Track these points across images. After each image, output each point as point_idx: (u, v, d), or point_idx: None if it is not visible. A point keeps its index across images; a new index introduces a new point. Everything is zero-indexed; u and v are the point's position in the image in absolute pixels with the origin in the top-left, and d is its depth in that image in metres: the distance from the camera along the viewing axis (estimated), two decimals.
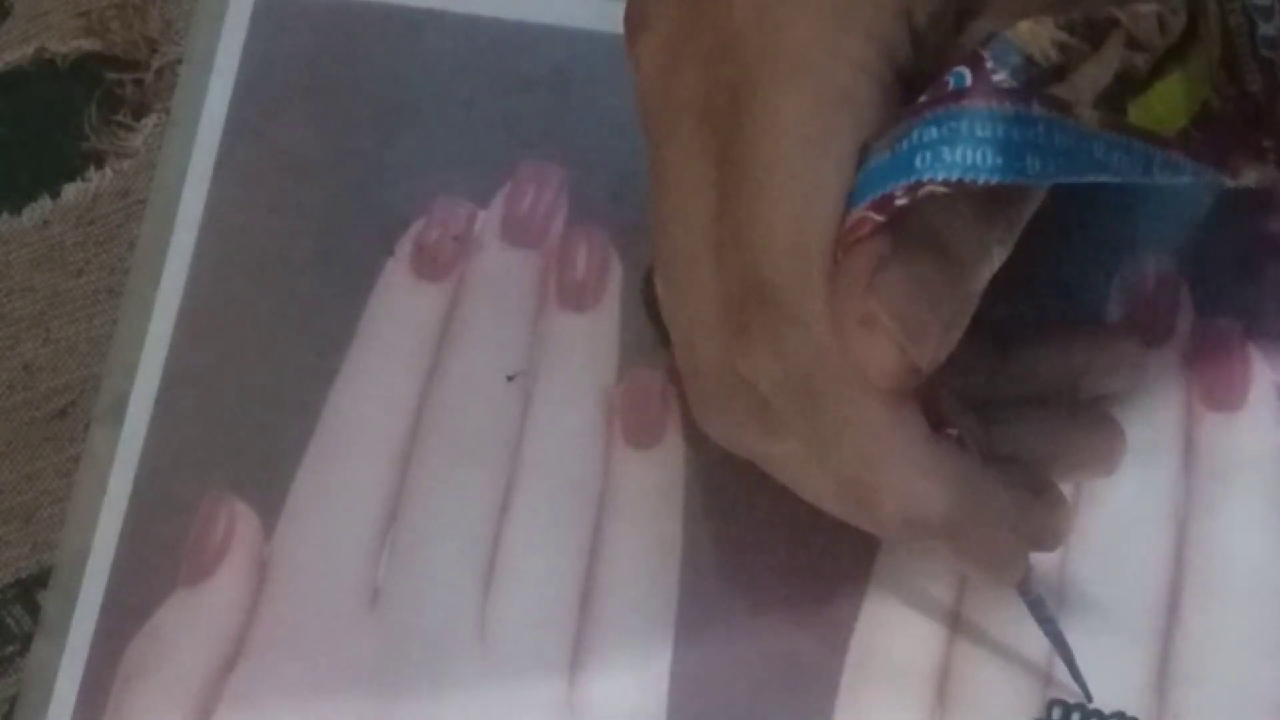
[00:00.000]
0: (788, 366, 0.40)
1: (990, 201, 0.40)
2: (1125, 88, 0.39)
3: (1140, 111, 0.39)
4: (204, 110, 0.52)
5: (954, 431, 0.41)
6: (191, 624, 0.48)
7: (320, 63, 0.53)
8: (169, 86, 0.53)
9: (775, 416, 0.41)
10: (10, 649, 0.49)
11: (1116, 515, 0.46)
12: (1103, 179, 0.38)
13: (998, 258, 0.41)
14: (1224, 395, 0.48)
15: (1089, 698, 0.45)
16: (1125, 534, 0.46)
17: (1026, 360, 0.46)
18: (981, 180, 0.37)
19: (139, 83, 0.53)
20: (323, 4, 0.53)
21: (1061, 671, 0.45)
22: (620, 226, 0.50)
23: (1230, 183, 0.39)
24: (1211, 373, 0.48)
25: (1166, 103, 0.39)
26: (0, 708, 0.48)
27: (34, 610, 0.49)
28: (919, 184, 0.38)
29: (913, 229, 0.39)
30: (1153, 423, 0.47)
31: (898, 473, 0.40)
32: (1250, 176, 0.39)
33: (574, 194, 0.51)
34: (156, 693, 0.47)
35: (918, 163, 0.38)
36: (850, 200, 0.39)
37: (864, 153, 0.39)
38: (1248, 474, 0.47)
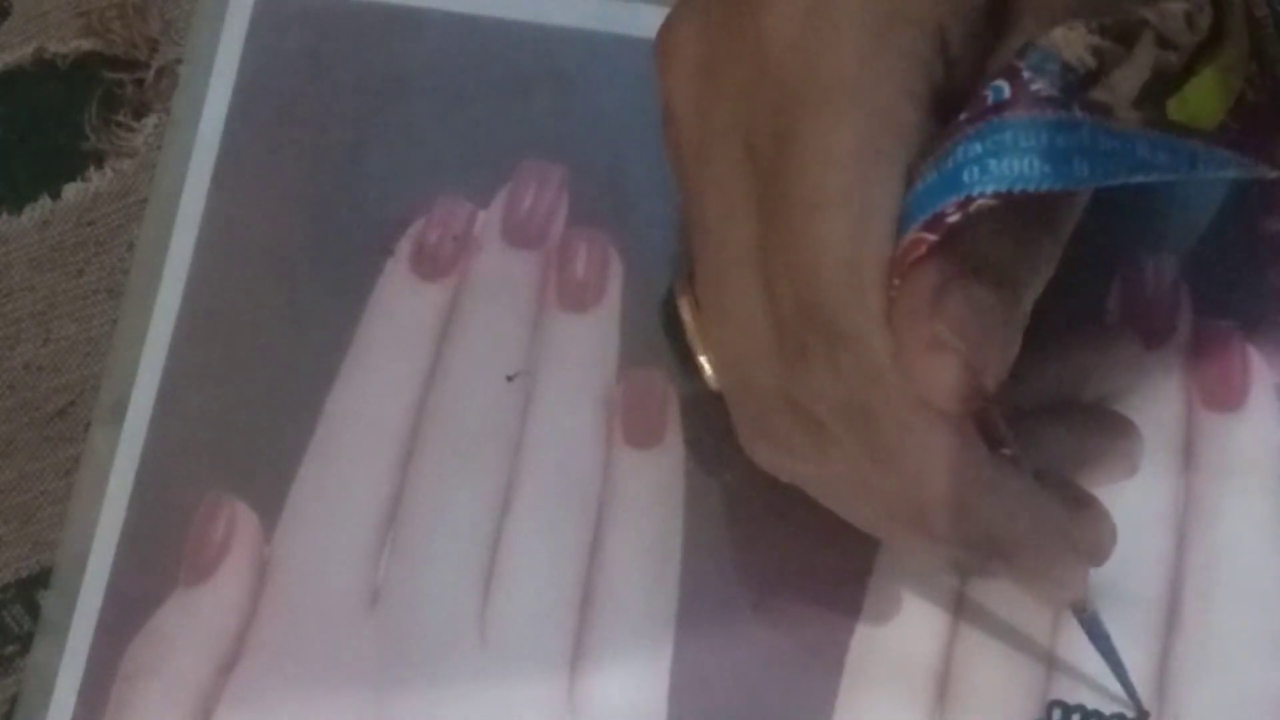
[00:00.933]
0: (846, 390, 0.40)
1: (1036, 219, 0.40)
2: (1161, 86, 0.39)
3: (1178, 108, 0.39)
4: (204, 110, 0.52)
5: (1009, 451, 0.41)
6: (191, 624, 0.48)
7: (320, 63, 0.53)
8: (169, 86, 0.53)
9: (827, 440, 0.41)
10: (10, 649, 0.49)
11: (1116, 515, 0.46)
12: (1150, 178, 0.38)
13: (1046, 274, 0.41)
14: (1224, 395, 0.48)
15: (1144, 713, 0.45)
16: (1125, 534, 0.46)
17: (1029, 366, 0.46)
18: (1032, 189, 0.37)
19: (139, 83, 0.53)
20: (323, 4, 0.53)
21: (1062, 670, 0.45)
22: (620, 226, 0.50)
23: (1273, 173, 0.39)
24: (1211, 373, 0.48)
25: (1202, 98, 0.39)
26: (0, 708, 0.48)
27: (34, 610, 0.49)
28: (969, 199, 0.38)
29: (966, 251, 0.39)
30: (1153, 423, 0.47)
31: (957, 492, 0.40)
32: None
33: (574, 194, 0.51)
34: (156, 693, 0.47)
35: (966, 178, 0.38)
36: (902, 224, 0.39)
37: (912, 175, 0.39)
38: (1248, 474, 0.47)
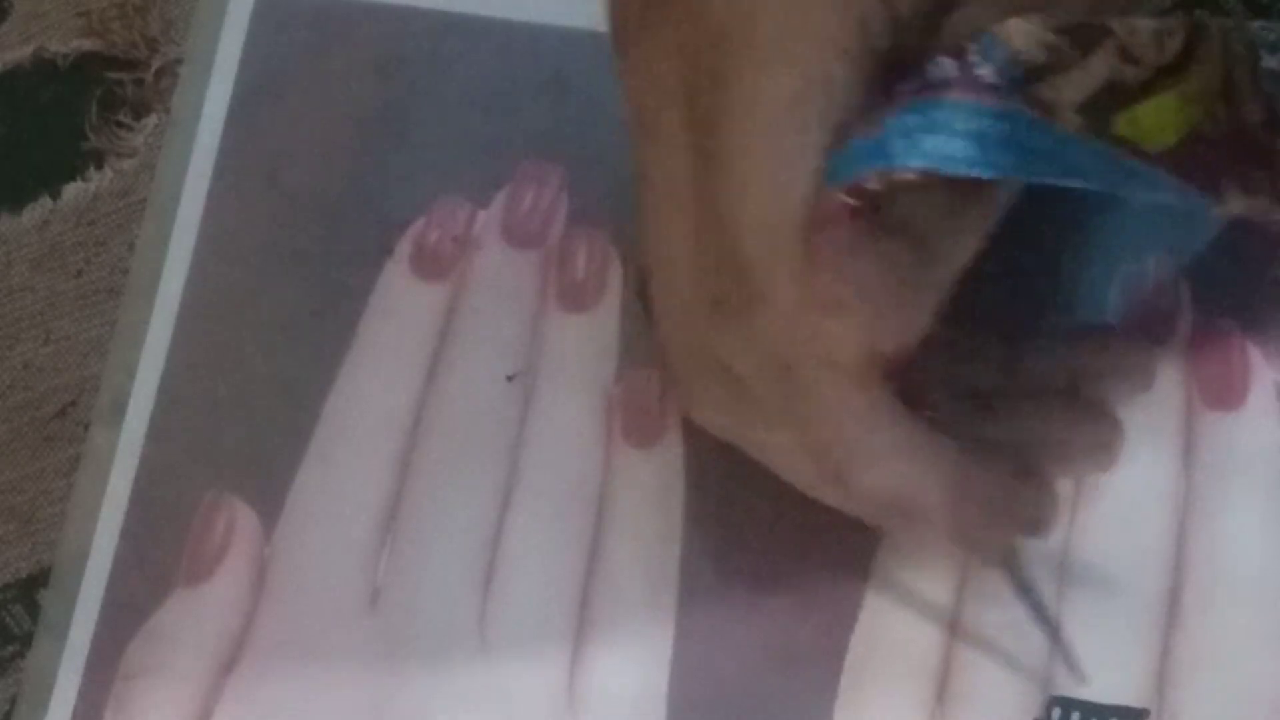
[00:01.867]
0: (760, 346, 0.40)
1: (964, 191, 0.40)
2: (1113, 98, 0.38)
3: (1127, 124, 0.39)
4: (204, 110, 0.52)
5: (932, 414, 0.41)
6: (191, 624, 0.48)
7: (320, 63, 0.53)
8: (169, 86, 0.53)
9: (754, 399, 0.41)
10: (10, 649, 0.49)
11: (1116, 514, 0.46)
12: (1078, 184, 0.38)
13: (970, 247, 0.41)
14: (1224, 395, 0.48)
15: (1084, 678, 0.45)
16: (1125, 533, 0.46)
17: (1032, 364, 0.46)
18: (955, 171, 0.37)
19: (139, 83, 0.54)
20: (323, 4, 0.53)
21: (1061, 670, 0.45)
22: (620, 226, 0.50)
23: (1215, 208, 0.39)
24: (1211, 372, 0.48)
25: (1156, 119, 0.39)
26: (0, 708, 0.48)
27: (34, 610, 0.49)
28: (892, 169, 0.38)
29: (885, 214, 0.39)
30: (1153, 422, 0.47)
31: (871, 452, 0.40)
32: (1238, 204, 0.39)
33: (574, 194, 0.51)
34: (156, 693, 0.47)
35: (894, 148, 0.38)
36: (826, 180, 0.39)
37: (842, 134, 0.39)
38: (1248, 473, 0.47)
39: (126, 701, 0.47)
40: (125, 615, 0.48)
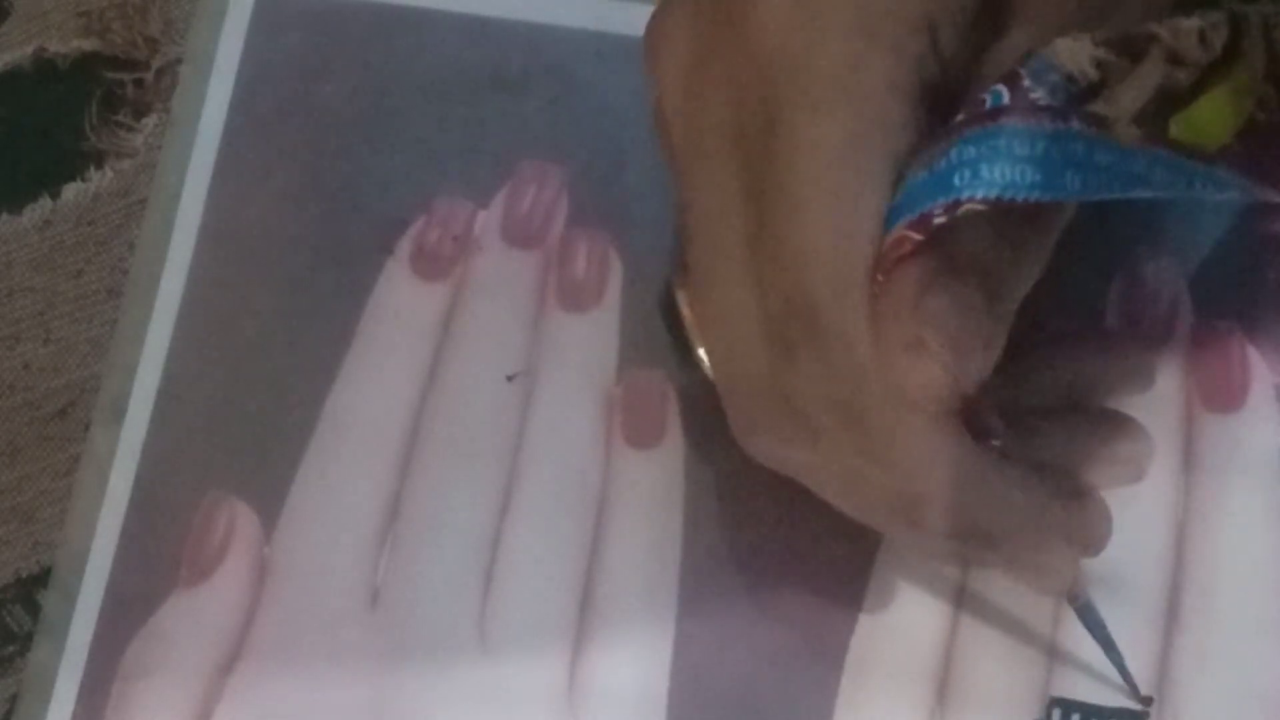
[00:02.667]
0: (832, 385, 0.40)
1: (1024, 220, 0.40)
2: (1167, 103, 0.38)
3: (1183, 126, 0.38)
4: (204, 110, 0.52)
5: (997, 443, 0.41)
6: (191, 624, 0.48)
7: (320, 63, 0.53)
8: (169, 86, 0.53)
9: (817, 433, 0.41)
10: (10, 649, 0.49)
11: (1116, 515, 0.46)
12: (1144, 194, 0.38)
13: (1033, 275, 0.41)
14: (1223, 396, 0.48)
15: (1143, 701, 0.45)
16: (1125, 534, 0.46)
17: (1036, 369, 0.46)
18: (1021, 198, 0.37)
19: (139, 83, 0.53)
20: (323, 4, 0.53)
21: (1061, 671, 0.45)
22: (620, 226, 0.50)
23: (1277, 198, 0.39)
24: (1211, 373, 0.48)
25: (1210, 118, 0.38)
26: (0, 708, 0.48)
27: (34, 610, 0.49)
28: (958, 202, 0.38)
29: (952, 250, 0.39)
30: (1152, 423, 0.47)
31: (946, 488, 0.40)
32: None
33: (574, 194, 0.51)
34: (156, 692, 0.47)
35: (956, 181, 0.38)
36: (888, 220, 0.39)
37: (901, 171, 0.39)
38: (1247, 474, 0.47)
39: (126, 701, 0.47)
40: (125, 615, 0.48)
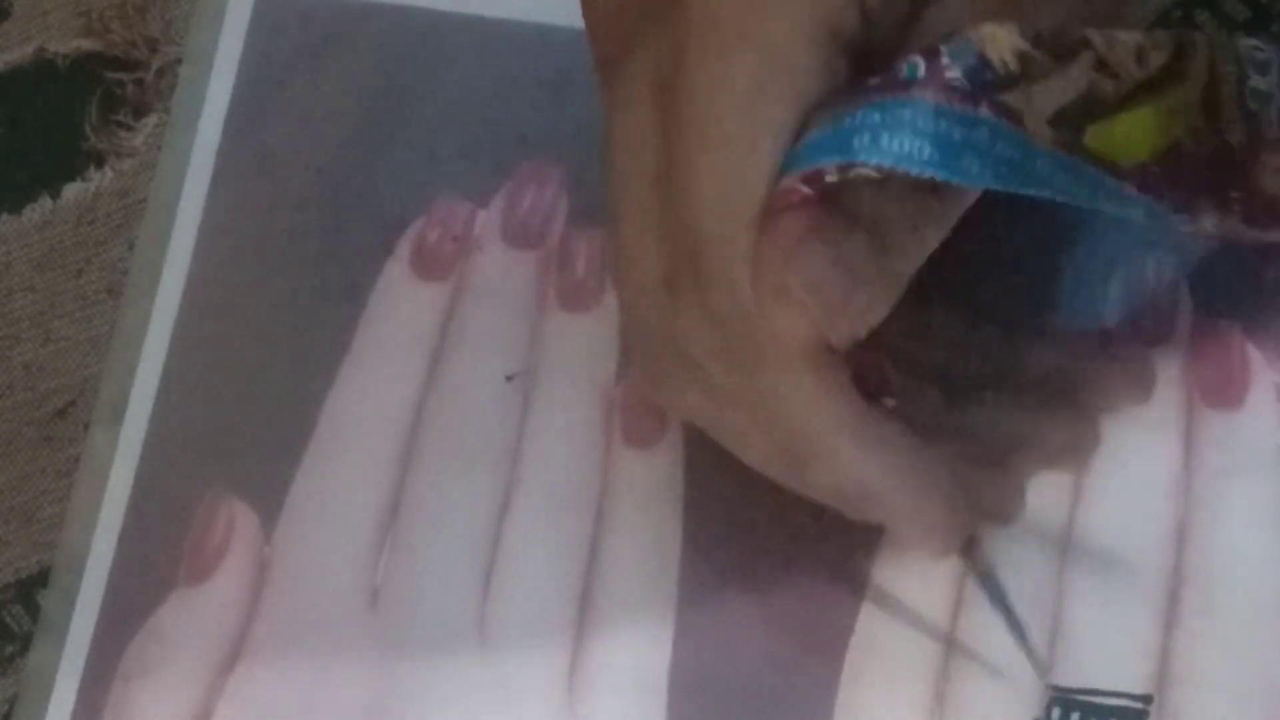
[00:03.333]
0: (714, 330, 0.40)
1: (926, 187, 0.39)
2: (1087, 110, 0.38)
3: (1100, 137, 0.38)
4: (204, 110, 0.52)
5: (890, 402, 0.41)
6: (191, 624, 0.48)
7: (320, 63, 0.53)
8: (169, 86, 0.53)
9: (711, 382, 0.41)
10: (10, 649, 0.49)
11: (1116, 515, 0.46)
12: (1042, 194, 0.38)
13: (932, 241, 0.40)
14: (1224, 394, 0.48)
15: (1044, 668, 0.45)
16: (1124, 533, 0.46)
17: (1023, 360, 0.46)
18: (915, 172, 0.37)
19: (139, 83, 0.54)
20: (323, 4, 0.53)
21: (1061, 669, 0.45)
22: None
23: (1187, 226, 0.38)
24: (1211, 371, 0.48)
25: (1130, 133, 0.38)
26: (0, 708, 0.48)
27: (34, 610, 0.49)
28: (851, 164, 0.38)
29: (840, 205, 0.39)
30: (1152, 421, 0.47)
31: (825, 438, 0.40)
32: (1209, 223, 0.38)
33: (574, 194, 0.51)
34: (156, 692, 0.47)
35: (855, 143, 0.38)
36: (783, 168, 0.39)
37: (807, 121, 0.39)
38: (1248, 474, 0.47)
39: (126, 701, 0.47)
40: (125, 615, 0.48)
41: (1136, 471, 0.47)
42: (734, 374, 0.40)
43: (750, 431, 0.41)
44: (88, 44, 0.54)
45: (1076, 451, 0.47)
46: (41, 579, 0.49)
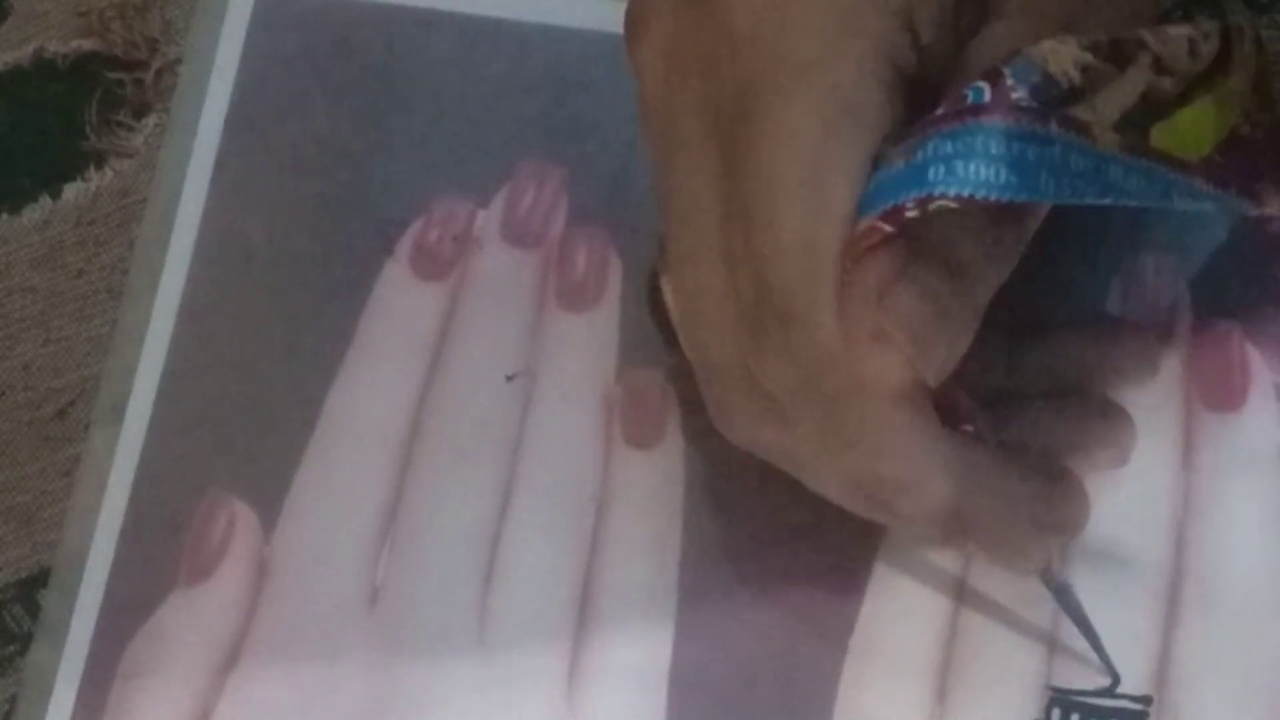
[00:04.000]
0: (800, 371, 0.40)
1: (997, 217, 0.40)
2: (1150, 111, 0.38)
3: (1165, 135, 0.38)
4: (204, 110, 0.52)
5: (969, 428, 0.41)
6: (191, 624, 0.48)
7: (320, 63, 0.53)
8: (169, 86, 0.53)
9: (792, 421, 0.41)
10: (10, 649, 0.49)
11: (1116, 515, 0.46)
12: (1119, 201, 0.38)
13: (1004, 271, 0.41)
14: (1224, 395, 0.48)
15: (1117, 679, 0.45)
16: (1124, 534, 0.46)
17: (1038, 359, 0.46)
18: (994, 198, 0.37)
19: (139, 83, 0.53)
20: (323, 4, 0.53)
21: (1061, 670, 0.45)
22: (620, 226, 0.50)
23: (1254, 211, 0.38)
24: (1211, 373, 0.48)
25: (1193, 128, 0.39)
26: (0, 708, 0.48)
27: (34, 610, 0.49)
28: (930, 197, 0.38)
29: (922, 242, 0.39)
30: (1152, 422, 0.47)
31: (913, 471, 0.41)
32: (1276, 205, 0.39)
33: (574, 194, 0.51)
34: (156, 693, 0.47)
35: (931, 176, 0.38)
36: (860, 208, 0.39)
37: (876, 161, 0.39)
38: (1247, 474, 0.47)
39: (126, 701, 0.47)
40: (125, 615, 0.48)
41: (1136, 472, 0.47)
42: (818, 412, 0.40)
43: (831, 465, 0.41)
44: (88, 44, 0.54)
45: (1120, 447, 0.47)
46: (41, 579, 0.49)
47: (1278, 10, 0.46)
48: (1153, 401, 0.47)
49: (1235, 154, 0.39)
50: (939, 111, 0.38)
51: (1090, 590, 0.45)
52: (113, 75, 0.54)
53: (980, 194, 0.37)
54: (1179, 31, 0.38)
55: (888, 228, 0.38)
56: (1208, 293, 0.48)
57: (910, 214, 0.38)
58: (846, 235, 0.39)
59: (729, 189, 0.40)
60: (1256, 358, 0.48)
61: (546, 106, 0.52)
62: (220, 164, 0.52)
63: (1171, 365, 0.48)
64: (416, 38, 0.53)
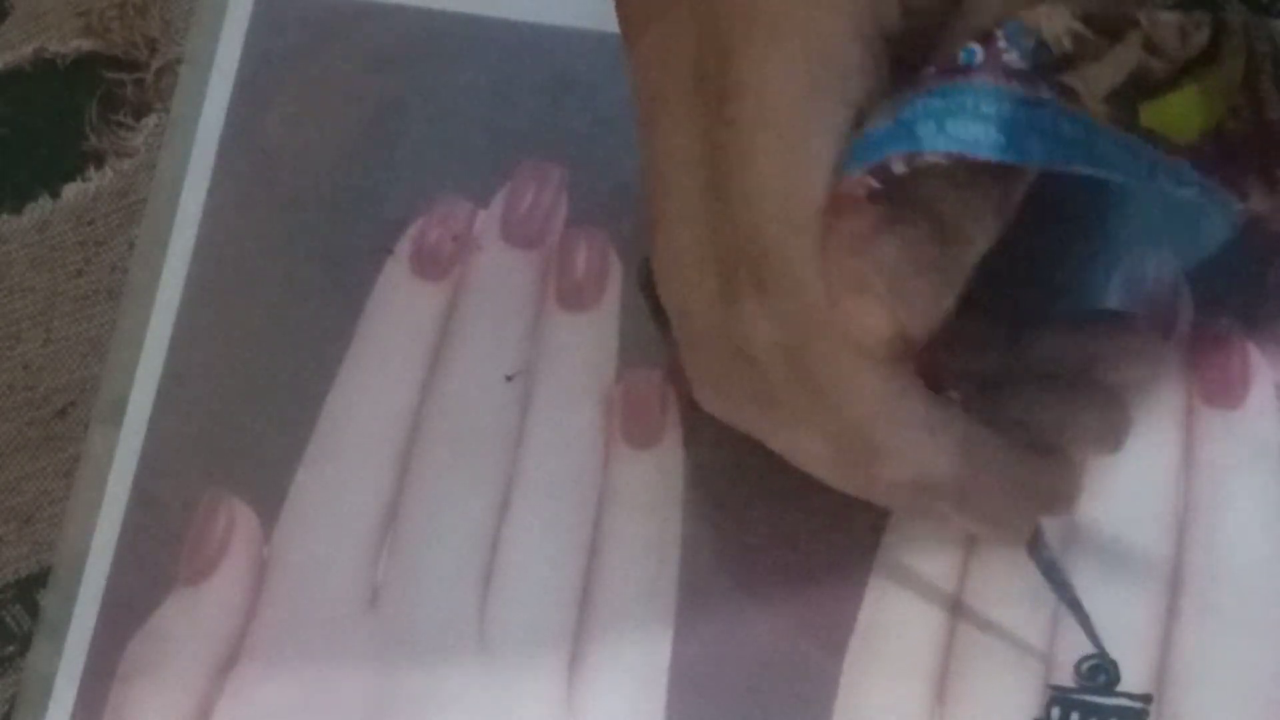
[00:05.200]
0: (781, 331, 0.40)
1: (987, 173, 0.40)
2: (1139, 89, 0.38)
3: (1153, 115, 0.38)
4: (204, 110, 0.52)
5: (955, 395, 0.41)
6: (191, 624, 0.48)
7: (320, 63, 0.53)
8: (169, 86, 0.53)
9: (772, 384, 0.41)
10: (10, 649, 0.49)
11: (1115, 514, 0.46)
12: (1103, 174, 0.38)
13: (994, 228, 0.41)
14: (1224, 394, 0.48)
15: (1102, 650, 0.45)
16: (1124, 533, 0.46)
17: (1036, 350, 0.46)
18: (982, 156, 0.37)
19: (139, 83, 0.53)
20: (323, 4, 0.53)
21: (1060, 668, 0.45)
22: (620, 226, 0.50)
23: (1237, 205, 0.38)
24: (1211, 372, 0.48)
25: (1181, 113, 0.39)
26: (0, 708, 0.48)
27: (34, 610, 0.49)
28: (919, 154, 0.38)
29: (907, 196, 0.39)
30: (1152, 420, 0.47)
31: (898, 434, 0.40)
32: (1260, 202, 0.39)
33: (574, 194, 0.51)
34: (156, 692, 0.47)
35: (920, 131, 0.38)
36: (846, 164, 0.39)
37: (863, 117, 0.39)
38: (1248, 473, 0.47)
39: (125, 701, 0.47)
40: (125, 615, 0.48)
41: (1136, 471, 0.47)
42: (798, 374, 0.40)
43: (812, 434, 0.41)
44: (88, 44, 0.54)
45: (1113, 434, 0.47)
46: (41, 579, 0.49)
47: (1277, 13, 0.46)
48: (1153, 399, 0.47)
49: (1223, 146, 0.39)
50: (929, 70, 0.38)
51: (1090, 587, 0.45)
52: (113, 75, 0.54)
53: (969, 152, 0.37)
54: (1169, 17, 0.38)
55: (874, 183, 0.38)
56: (1208, 291, 0.48)
57: (897, 169, 0.38)
58: (828, 190, 0.39)
59: (710, 150, 0.40)
60: (1257, 355, 0.48)
61: (546, 106, 0.52)
62: (220, 164, 0.52)
63: (1171, 365, 0.48)
64: (416, 37, 0.53)
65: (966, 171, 0.39)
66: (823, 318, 0.39)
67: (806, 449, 0.42)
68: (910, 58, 0.39)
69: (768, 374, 0.40)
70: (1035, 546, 0.44)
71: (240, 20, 0.53)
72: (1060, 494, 0.44)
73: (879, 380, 0.40)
